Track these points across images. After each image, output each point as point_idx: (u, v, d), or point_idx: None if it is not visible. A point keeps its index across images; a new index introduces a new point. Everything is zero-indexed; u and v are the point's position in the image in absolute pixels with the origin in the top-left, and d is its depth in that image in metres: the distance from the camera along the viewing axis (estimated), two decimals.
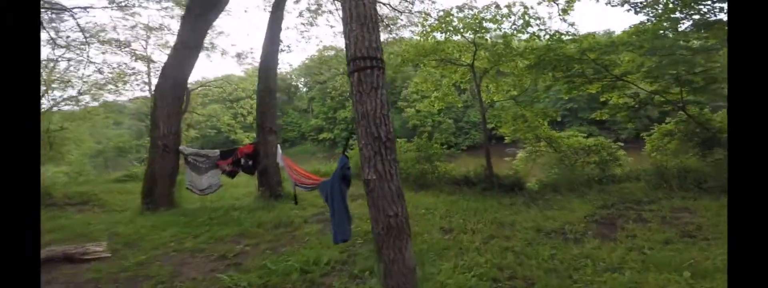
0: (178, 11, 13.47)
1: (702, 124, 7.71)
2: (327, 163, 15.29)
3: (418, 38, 10.34)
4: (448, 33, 9.58)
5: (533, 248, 4.30)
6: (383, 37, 13.99)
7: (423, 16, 12.19)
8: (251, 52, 16.12)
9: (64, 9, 11.64)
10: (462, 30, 9.38)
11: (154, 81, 11.91)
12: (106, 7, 13.22)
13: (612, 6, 8.28)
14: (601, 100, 9.86)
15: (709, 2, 7.06)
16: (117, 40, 14.63)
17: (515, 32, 9.07)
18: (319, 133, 49.08)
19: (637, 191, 7.12)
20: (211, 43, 17.00)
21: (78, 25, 12.24)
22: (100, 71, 14.92)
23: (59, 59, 13.86)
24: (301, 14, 13.39)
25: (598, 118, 10.24)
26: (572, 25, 9.02)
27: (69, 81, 15.21)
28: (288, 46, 15.49)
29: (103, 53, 15.61)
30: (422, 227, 5.52)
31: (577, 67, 8.27)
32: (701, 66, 7.02)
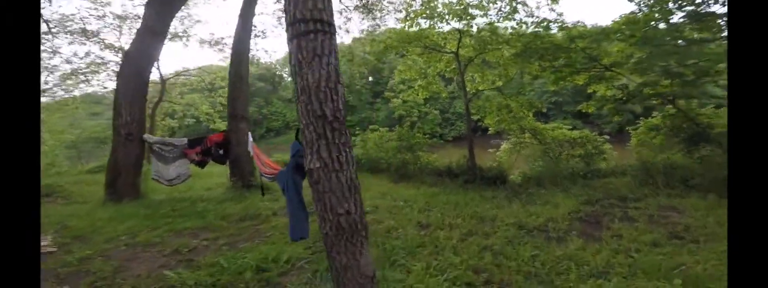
0: None
1: (691, 119, 7.46)
2: None
3: (403, 25, 9.92)
4: (433, 19, 9.18)
5: (514, 248, 3.97)
6: (367, 24, 13.55)
7: (406, 2, 11.76)
8: (226, 40, 15.81)
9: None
10: (447, 16, 9.01)
11: None
12: None
13: None
14: (589, 91, 9.59)
15: None
16: (85, 30, 14.30)
17: (501, 19, 8.72)
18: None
19: (622, 187, 6.86)
20: (185, 32, 16.92)
21: (41, 15, 11.61)
22: (68, 61, 14.78)
23: None
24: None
25: (584, 111, 9.99)
26: (560, 15, 8.73)
27: None
28: (263, 32, 15.33)
29: (70, 44, 15.13)
30: (398, 221, 5.19)
31: (564, 57, 7.96)
32: (692, 58, 6.77)
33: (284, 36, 1.99)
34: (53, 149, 17.18)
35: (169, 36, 17.39)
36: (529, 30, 8.54)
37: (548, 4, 8.85)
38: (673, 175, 6.70)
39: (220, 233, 4.97)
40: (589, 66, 8.14)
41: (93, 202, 7.52)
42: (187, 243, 4.56)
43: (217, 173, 10.03)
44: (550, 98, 33.37)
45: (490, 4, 8.67)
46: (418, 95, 11.37)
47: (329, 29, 1.94)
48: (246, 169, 8.03)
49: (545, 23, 8.29)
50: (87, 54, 15.27)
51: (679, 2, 7.12)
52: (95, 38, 14.64)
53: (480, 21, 9.14)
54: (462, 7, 8.74)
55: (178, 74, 19.90)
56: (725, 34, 6.45)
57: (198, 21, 18.33)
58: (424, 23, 9.33)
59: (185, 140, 7.99)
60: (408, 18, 9.54)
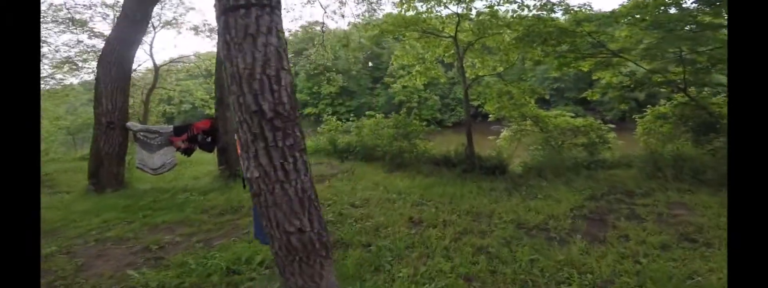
0: None
1: (704, 108, 7.06)
2: (309, 139, 14.54)
3: (399, 9, 9.41)
4: (430, 2, 8.69)
5: (511, 250, 3.63)
6: (363, 8, 12.98)
7: None
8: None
9: None
10: (445, 0, 8.54)
11: None
12: None
13: None
14: (594, 78, 9.14)
15: None
16: (72, 19, 14.26)
17: (502, 1, 8.22)
18: (303, 108, 48.22)
19: (628, 180, 6.48)
20: (175, 19, 17.08)
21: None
22: (56, 50, 14.84)
23: None
24: None
25: (589, 98, 9.56)
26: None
27: None
28: None
29: (60, 33, 15.05)
30: (388, 217, 4.82)
31: (569, 41, 7.50)
32: (706, 45, 6.34)
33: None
34: (49, 135, 17.06)
35: (160, 24, 17.23)
36: (532, 13, 8.06)
37: None
38: (682, 168, 6.32)
39: (198, 228, 4.64)
40: (595, 52, 7.70)
41: (76, 192, 7.27)
42: (159, 239, 4.24)
43: (207, 161, 9.67)
44: (551, 85, 32.86)
45: None
46: (416, 81, 10.92)
47: (269, 2, 1.52)
48: (233, 158, 7.70)
49: (549, 6, 7.80)
50: (78, 42, 15.55)
51: None
52: (82, 27, 14.63)
53: (479, 4, 8.68)
54: None
55: (172, 61, 19.86)
56: None
57: (191, 8, 18.22)
58: (421, 7, 8.85)
59: (170, 128, 7.62)
60: (404, 1, 9.04)
